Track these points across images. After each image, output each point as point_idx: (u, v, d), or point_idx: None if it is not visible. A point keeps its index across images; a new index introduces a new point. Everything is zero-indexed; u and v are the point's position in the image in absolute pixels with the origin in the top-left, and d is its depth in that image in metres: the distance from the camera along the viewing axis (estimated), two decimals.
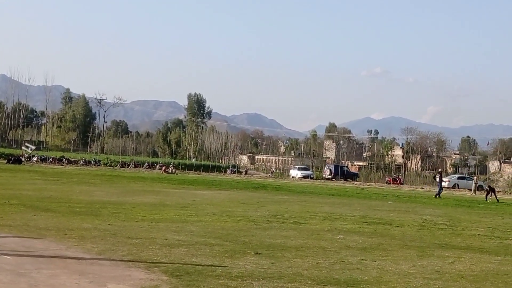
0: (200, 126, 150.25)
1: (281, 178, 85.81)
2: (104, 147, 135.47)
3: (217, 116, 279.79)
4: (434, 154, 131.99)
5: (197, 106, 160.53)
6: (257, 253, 12.53)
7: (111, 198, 26.34)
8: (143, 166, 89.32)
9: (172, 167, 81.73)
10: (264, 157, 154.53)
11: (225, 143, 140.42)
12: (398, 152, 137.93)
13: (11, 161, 71.77)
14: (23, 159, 76.73)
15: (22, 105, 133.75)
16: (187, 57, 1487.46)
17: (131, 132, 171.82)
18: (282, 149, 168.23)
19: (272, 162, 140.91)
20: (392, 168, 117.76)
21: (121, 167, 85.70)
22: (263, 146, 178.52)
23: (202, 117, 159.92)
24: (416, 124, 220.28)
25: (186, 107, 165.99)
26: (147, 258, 11.49)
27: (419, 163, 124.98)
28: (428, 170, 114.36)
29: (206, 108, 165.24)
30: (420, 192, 57.46)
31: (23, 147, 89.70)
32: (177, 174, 74.65)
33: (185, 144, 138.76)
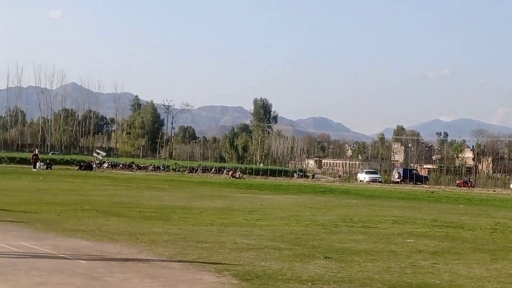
0: (266, 131, 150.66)
1: (349, 182, 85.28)
2: (172, 153, 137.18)
3: (283, 120, 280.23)
4: (506, 156, 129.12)
5: (263, 111, 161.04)
6: (326, 257, 12.47)
7: (180, 203, 26.61)
8: (210, 171, 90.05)
9: (239, 172, 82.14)
10: (331, 161, 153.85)
11: (292, 147, 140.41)
12: (468, 154, 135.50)
13: (82, 168, 73.33)
14: (94, 166, 78.30)
15: (92, 112, 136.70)
16: (253, 62, 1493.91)
17: (198, 137, 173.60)
18: (349, 152, 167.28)
19: (339, 166, 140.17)
20: (463, 170, 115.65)
21: (189, 172, 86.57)
22: (330, 150, 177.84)
23: (268, 121, 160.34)
24: (486, 125, 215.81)
25: (252, 112, 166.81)
26: (217, 261, 11.56)
27: (490, 165, 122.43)
28: (500, 172, 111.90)
29: (272, 113, 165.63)
30: (492, 195, 56.24)
31: (94, 154, 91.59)
32: (244, 178, 74.96)
33: (252, 149, 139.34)
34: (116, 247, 12.80)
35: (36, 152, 70.24)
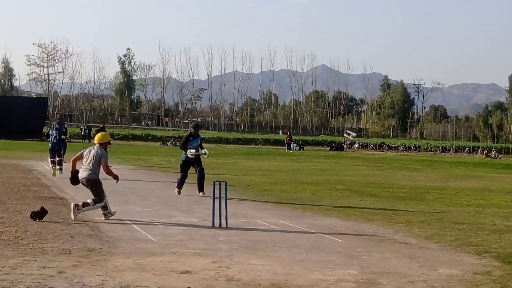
0: None
1: None
2: (423, 133, 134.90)
3: None
4: None
5: None
6: None
7: (434, 183, 26.11)
8: (463, 151, 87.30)
9: (494, 152, 78.70)
10: None
11: None
12: None
13: (333, 148, 74.60)
14: (345, 146, 79.29)
15: (342, 93, 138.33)
16: (501, 35, 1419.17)
17: (450, 116, 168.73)
18: None
19: None
20: None
21: (441, 152, 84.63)
22: None
23: None
24: None
25: (507, 88, 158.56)
26: (476, 243, 11.19)
27: None
28: None
29: None
30: None
31: (344, 135, 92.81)
32: (500, 158, 71.71)
33: (507, 128, 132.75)
34: (372, 227, 12.86)
35: (289, 133, 72.60)
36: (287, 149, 63.77)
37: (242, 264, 8.67)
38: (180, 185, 17.56)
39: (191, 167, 17.58)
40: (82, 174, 12.51)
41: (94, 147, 12.72)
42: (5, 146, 44.76)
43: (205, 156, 17.83)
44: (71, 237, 10.28)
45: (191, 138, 17.62)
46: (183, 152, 17.56)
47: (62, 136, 24.03)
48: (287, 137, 68.28)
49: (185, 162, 17.57)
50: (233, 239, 10.78)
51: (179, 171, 17.87)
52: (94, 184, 12.48)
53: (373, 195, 20.03)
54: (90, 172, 12.41)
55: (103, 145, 12.79)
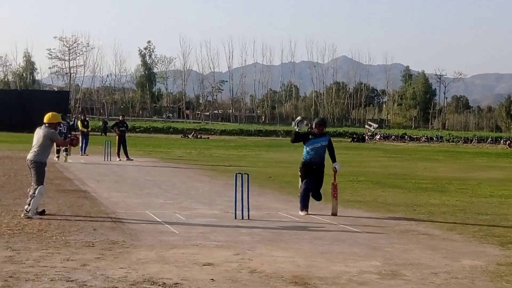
0: None
1: None
2: (445, 123, 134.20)
3: None
4: None
5: None
6: None
7: (456, 174, 25.93)
8: (486, 142, 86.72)
9: None
10: None
11: None
12: None
13: (355, 139, 74.43)
14: (366, 137, 79.07)
15: (363, 84, 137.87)
16: None
17: (472, 107, 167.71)
18: None
19: None
20: None
21: (463, 143, 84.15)
22: None
23: None
24: None
25: None
26: (499, 234, 11.11)
27: None
28: None
29: None
30: None
31: (366, 126, 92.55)
32: None
33: None
34: (394, 219, 12.79)
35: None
36: None
37: (264, 256, 8.66)
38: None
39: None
40: (28, 156, 11.81)
41: (42, 127, 11.86)
42: (28, 139, 44.84)
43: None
44: (94, 229, 10.33)
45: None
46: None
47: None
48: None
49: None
50: (255, 231, 10.78)
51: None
52: (36, 166, 11.69)
53: (395, 186, 19.94)
54: (35, 154, 11.69)
55: (52, 126, 11.92)
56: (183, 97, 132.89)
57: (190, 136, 69.02)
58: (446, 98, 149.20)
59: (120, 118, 31.36)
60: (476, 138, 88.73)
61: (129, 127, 34.06)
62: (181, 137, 69.54)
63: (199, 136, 67.45)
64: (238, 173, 12.39)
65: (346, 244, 9.82)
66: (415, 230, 11.37)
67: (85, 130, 30.55)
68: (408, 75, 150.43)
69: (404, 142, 79.49)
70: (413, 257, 8.92)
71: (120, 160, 27.16)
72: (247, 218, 11.99)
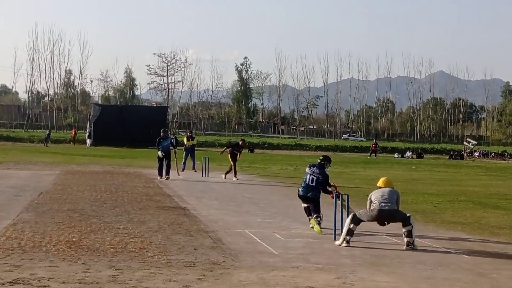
0: None
1: None
2: None
3: None
4: None
5: None
6: None
7: None
8: None
9: None
10: None
11: None
12: None
13: (453, 157, 72.75)
14: (464, 154, 77.16)
15: (461, 100, 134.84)
16: None
17: None
18: None
19: None
20: None
21: None
22: None
23: None
24: None
25: None
26: None
27: None
28: None
29: None
30: None
31: (464, 142, 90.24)
32: None
33: None
34: (499, 242, 12.38)
35: (375, 141, 71.82)
36: (370, 156, 63.34)
37: (366, 281, 8.52)
38: None
39: None
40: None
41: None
42: (128, 154, 46.24)
43: None
44: (195, 249, 10.43)
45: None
46: None
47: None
48: (373, 144, 67.37)
49: None
50: (356, 253, 10.63)
51: None
52: None
53: (498, 207, 19.32)
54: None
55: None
56: (278, 112, 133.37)
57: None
58: None
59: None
60: None
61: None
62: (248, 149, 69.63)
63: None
64: (338, 193, 12.28)
65: (450, 269, 9.55)
66: None
67: (190, 144, 31.02)
68: (508, 91, 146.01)
69: (504, 160, 77.04)
70: None
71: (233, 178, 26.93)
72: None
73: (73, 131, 74.06)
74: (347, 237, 11.37)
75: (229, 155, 27.24)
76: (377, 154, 65.11)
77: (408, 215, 11.62)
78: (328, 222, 12.98)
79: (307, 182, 13.31)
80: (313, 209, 13.22)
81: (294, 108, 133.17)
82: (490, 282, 8.73)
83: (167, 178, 24.56)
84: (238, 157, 27.26)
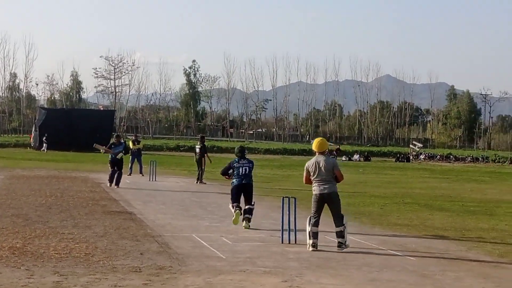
0: None
1: None
2: (490, 143, 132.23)
3: None
4: None
5: None
6: None
7: (504, 197, 25.47)
8: None
9: None
10: None
11: None
12: None
13: (399, 159, 73.74)
14: (411, 157, 78.29)
15: (407, 103, 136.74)
16: None
17: None
18: None
19: None
20: None
21: (510, 163, 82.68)
22: None
23: None
24: None
25: None
26: None
27: None
28: None
29: None
30: None
31: (410, 145, 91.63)
32: None
33: None
34: (444, 244, 12.58)
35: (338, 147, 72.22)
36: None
37: (313, 284, 8.56)
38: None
39: None
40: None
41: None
42: (74, 159, 45.63)
43: None
44: (141, 254, 10.33)
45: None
46: None
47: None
48: (336, 149, 68.58)
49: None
50: (303, 256, 10.67)
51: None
52: None
53: (443, 209, 19.64)
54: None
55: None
56: (227, 115, 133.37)
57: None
58: (492, 117, 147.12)
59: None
60: None
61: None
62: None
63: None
64: (285, 197, 12.32)
65: (395, 271, 9.66)
66: (465, 257, 11.16)
67: (135, 148, 30.89)
68: (453, 94, 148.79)
69: (450, 162, 78.49)
70: (465, 286, 8.75)
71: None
72: (294, 242, 11.90)
73: (30, 136, 72.85)
74: (310, 241, 11.40)
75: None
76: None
77: (342, 214, 11.63)
78: (276, 225, 13.01)
79: (242, 173, 14.41)
80: (249, 198, 14.37)
81: (243, 112, 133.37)
82: (434, 284, 8.85)
83: (117, 187, 23.33)
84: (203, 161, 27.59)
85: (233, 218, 13.95)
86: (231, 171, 14.69)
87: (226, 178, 15.04)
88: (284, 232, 12.05)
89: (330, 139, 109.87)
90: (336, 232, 11.43)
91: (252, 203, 14.35)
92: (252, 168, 14.79)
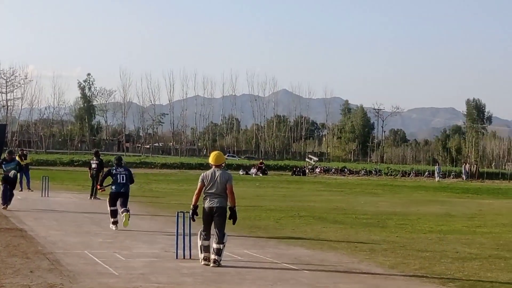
0: (480, 132, 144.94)
1: None
2: (383, 156, 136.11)
3: (497, 120, 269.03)
4: None
5: (476, 112, 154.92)
6: None
7: (396, 209, 26.21)
8: (423, 175, 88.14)
9: (453, 174, 79.61)
10: None
11: (508, 148, 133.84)
12: None
13: (295, 173, 74.71)
14: (307, 171, 79.48)
15: (303, 118, 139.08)
16: (466, 62, 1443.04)
17: (409, 140, 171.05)
18: None
19: None
20: None
21: (401, 176, 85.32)
22: None
23: (482, 122, 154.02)
24: None
25: (465, 113, 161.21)
26: (440, 272, 11.21)
27: None
28: None
29: (486, 113, 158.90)
30: None
31: (306, 159, 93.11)
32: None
33: (465, 151, 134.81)
34: (337, 256, 12.80)
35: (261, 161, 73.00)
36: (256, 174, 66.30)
37: None
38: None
39: None
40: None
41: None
42: None
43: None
44: (31, 271, 10.03)
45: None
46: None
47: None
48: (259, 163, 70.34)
49: None
50: (197, 271, 10.63)
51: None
52: None
53: (336, 221, 20.01)
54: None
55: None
56: (123, 130, 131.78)
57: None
58: (384, 131, 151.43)
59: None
60: (413, 172, 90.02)
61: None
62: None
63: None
64: (180, 212, 12.25)
65: (289, 285, 9.76)
66: (357, 268, 11.39)
67: (23, 163, 29.94)
68: (347, 109, 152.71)
69: (344, 176, 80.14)
70: None
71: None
72: (188, 257, 11.83)
73: None
74: (201, 255, 11.33)
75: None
76: (259, 173, 67.56)
77: (224, 232, 11.57)
78: (171, 241, 12.92)
79: (119, 181, 16.20)
80: (124, 202, 16.27)
81: (139, 126, 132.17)
82: None
83: (5, 207, 20.66)
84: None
85: (123, 221, 15.88)
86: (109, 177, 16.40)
87: (100, 189, 17.46)
88: (178, 247, 11.96)
89: (228, 153, 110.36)
90: (214, 249, 11.35)
91: (127, 209, 16.35)
92: (129, 175, 16.43)
